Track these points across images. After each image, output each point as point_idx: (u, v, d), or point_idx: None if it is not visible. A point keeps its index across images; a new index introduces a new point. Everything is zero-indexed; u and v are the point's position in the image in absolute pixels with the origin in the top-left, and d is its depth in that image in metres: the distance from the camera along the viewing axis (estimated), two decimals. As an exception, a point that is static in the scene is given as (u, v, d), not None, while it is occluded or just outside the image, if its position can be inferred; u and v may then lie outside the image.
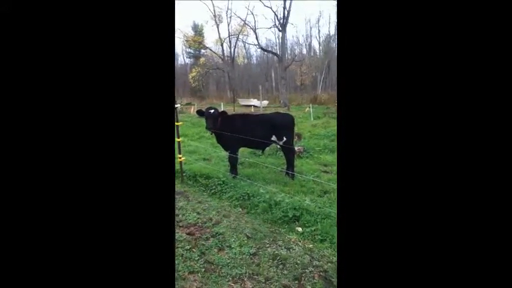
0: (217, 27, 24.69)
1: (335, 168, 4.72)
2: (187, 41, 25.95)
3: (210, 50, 26.89)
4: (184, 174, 4.33)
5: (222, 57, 26.05)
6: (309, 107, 12.50)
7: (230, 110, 13.44)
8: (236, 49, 27.13)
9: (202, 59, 27.37)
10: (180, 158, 4.26)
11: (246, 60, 33.48)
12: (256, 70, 32.92)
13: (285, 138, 4.28)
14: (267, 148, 4.74)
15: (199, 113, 4.35)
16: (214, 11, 23.68)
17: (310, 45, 31.71)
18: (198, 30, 28.06)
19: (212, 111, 4.20)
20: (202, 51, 28.39)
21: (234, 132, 4.13)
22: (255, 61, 34.54)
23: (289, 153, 4.36)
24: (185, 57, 32.49)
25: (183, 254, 2.34)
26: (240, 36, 24.44)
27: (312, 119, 10.50)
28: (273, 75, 28.06)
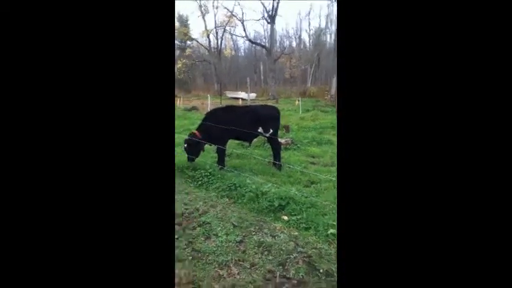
0: (203, 18, 24.31)
1: (322, 159, 4.81)
2: (172, 32, 25.25)
3: (197, 41, 26.45)
4: (171, 165, 4.30)
5: (208, 48, 25.69)
6: (298, 100, 12.57)
7: (217, 102, 13.35)
8: (223, 41, 26.82)
9: (188, 51, 26.88)
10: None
11: (233, 52, 33.11)
12: (244, 62, 32.66)
13: (271, 130, 4.32)
14: (254, 140, 4.77)
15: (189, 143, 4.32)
16: (200, 0, 23.26)
17: (300, 38, 31.69)
18: (183, 21, 27.44)
19: (187, 141, 4.23)
20: (188, 42, 27.84)
21: (220, 124, 4.14)
22: (242, 53, 34.28)
23: (275, 145, 4.41)
24: (171, 49, 31.63)
25: (170, 243, 2.36)
26: (227, 28, 24.15)
27: (300, 112, 10.58)
28: (261, 67, 27.92)
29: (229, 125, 4.13)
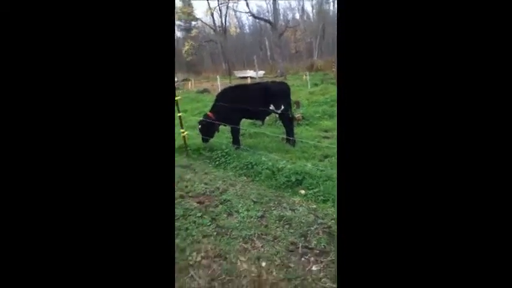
0: (206, -5, 23.52)
1: (335, 133, 4.80)
2: (176, 12, 24.80)
3: (201, 21, 25.83)
4: (188, 148, 4.42)
5: (213, 28, 25.10)
6: (306, 75, 12.31)
7: (227, 83, 13.26)
8: (227, 18, 26.07)
9: (194, 31, 26.36)
10: (183, 132, 4.32)
11: (238, 30, 32.25)
12: (249, 39, 31.86)
13: (282, 107, 4.32)
14: (266, 118, 4.79)
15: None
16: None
17: (303, 8, 30.39)
18: (186, 1, 26.75)
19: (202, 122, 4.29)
20: (193, 23, 27.24)
21: (232, 103, 4.17)
22: (247, 30, 33.34)
23: (288, 121, 4.42)
24: (175, 31, 31.26)
25: (195, 221, 2.49)
26: (230, 4, 23.37)
27: (309, 86, 10.40)
28: (267, 43, 27.19)
29: (241, 104, 4.16)
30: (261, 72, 17.77)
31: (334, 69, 14.73)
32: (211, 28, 25.26)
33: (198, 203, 2.82)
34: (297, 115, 5.56)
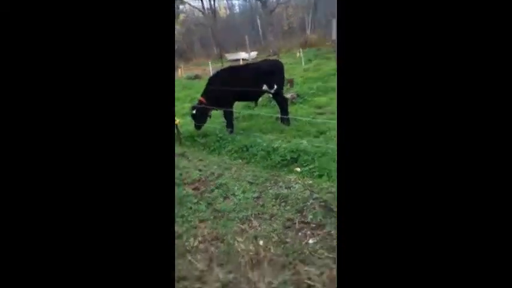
0: (193, -23, 22.70)
1: (329, 108, 4.74)
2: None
3: (189, 4, 25.01)
4: (181, 136, 4.38)
5: (202, 11, 24.35)
6: (299, 52, 12.04)
7: (219, 67, 13.01)
8: (216, 0, 25.26)
9: (181, 16, 25.61)
10: (175, 121, 4.27)
11: (228, 12, 31.33)
12: (240, 20, 30.97)
13: (275, 86, 4.23)
14: (260, 99, 4.71)
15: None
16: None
17: (293, -17, 29.33)
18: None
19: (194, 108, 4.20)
20: (181, 7, 26.41)
21: (224, 86, 4.08)
22: (237, 10, 32.35)
23: (281, 101, 4.34)
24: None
25: (191, 207, 2.49)
26: (218, -16, 22.54)
27: (303, 63, 10.19)
28: (258, 22, 26.45)
29: (232, 86, 4.07)
30: (254, 53, 17.39)
31: (328, 43, 14.42)
32: (200, 11, 24.51)
33: (193, 189, 2.82)
34: (291, 94, 5.46)
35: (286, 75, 5.26)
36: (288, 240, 1.92)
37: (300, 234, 1.95)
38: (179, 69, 15.22)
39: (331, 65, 8.49)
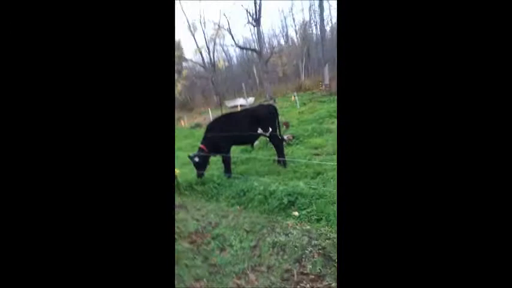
0: (194, 37, 24.71)
1: (325, 149, 4.76)
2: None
3: (191, 61, 26.82)
4: (181, 185, 4.34)
5: (203, 65, 25.99)
6: (294, 96, 12.50)
7: (218, 114, 13.44)
8: (215, 54, 27.10)
9: (184, 72, 27.28)
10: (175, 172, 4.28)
11: (226, 63, 33.35)
12: (238, 70, 32.84)
13: (270, 129, 4.30)
14: (256, 142, 4.77)
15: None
16: (188, 21, 23.68)
17: (286, 35, 31.59)
18: (176, 45, 27.89)
19: (195, 156, 4.28)
20: (184, 64, 28.29)
21: (221, 133, 4.17)
22: (235, 61, 34.47)
23: (277, 142, 4.38)
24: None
25: (187, 264, 2.35)
26: (217, 40, 24.43)
27: (298, 106, 10.52)
28: (255, 71, 27.98)
29: (229, 131, 4.15)
30: (251, 99, 18.10)
31: (322, 87, 15.02)
32: (201, 66, 26.16)
33: (190, 243, 2.70)
34: (287, 135, 5.54)
35: (282, 118, 5.39)
36: (286, 294, 1.77)
37: (298, 287, 1.80)
38: (182, 120, 15.72)
39: (325, 107, 8.74)
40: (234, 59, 34.56)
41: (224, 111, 14.00)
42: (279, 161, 4.30)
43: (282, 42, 31.20)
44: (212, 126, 4.55)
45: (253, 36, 27.54)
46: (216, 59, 27.19)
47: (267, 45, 26.73)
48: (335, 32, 25.10)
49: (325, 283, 1.77)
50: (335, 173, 3.48)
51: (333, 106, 8.57)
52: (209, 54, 25.64)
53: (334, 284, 1.74)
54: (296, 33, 30.50)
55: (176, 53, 25.63)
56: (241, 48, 23.57)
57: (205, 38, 24.99)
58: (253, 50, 21.84)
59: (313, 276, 1.85)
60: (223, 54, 31.81)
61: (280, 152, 4.34)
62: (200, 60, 26.14)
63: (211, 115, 12.81)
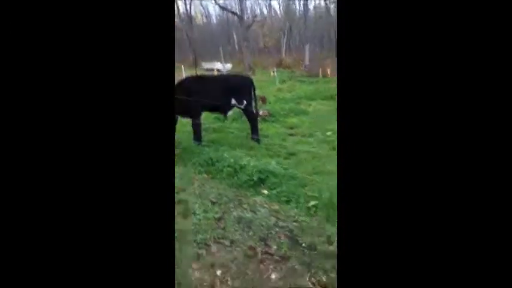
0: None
1: (300, 130, 4.76)
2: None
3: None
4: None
5: (177, 13, 24.01)
6: (274, 71, 12.27)
7: (192, 74, 12.76)
8: (193, 7, 25.09)
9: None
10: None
11: (205, 20, 31.25)
12: (217, 30, 31.06)
13: (245, 102, 4.14)
14: (230, 113, 4.58)
15: None
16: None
17: (270, 5, 30.41)
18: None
19: None
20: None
21: (191, 95, 3.88)
22: (215, 20, 32.45)
23: (251, 117, 4.26)
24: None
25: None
26: (195, -8, 22.50)
27: (277, 83, 10.36)
28: (235, 36, 26.73)
29: (200, 96, 3.89)
30: (229, 65, 17.40)
31: (302, 67, 14.94)
32: (176, 15, 24.19)
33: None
34: (263, 111, 5.43)
35: (260, 92, 5.23)
36: (248, 272, 1.76)
37: (262, 266, 1.80)
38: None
39: (304, 88, 8.73)
40: (213, 18, 32.52)
41: (199, 72, 13.30)
42: (252, 137, 4.20)
43: (265, 11, 29.96)
44: (181, 86, 4.18)
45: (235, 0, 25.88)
46: (193, 12, 25.32)
47: (248, 10, 25.35)
48: (318, 11, 24.79)
49: (289, 265, 1.78)
50: (308, 155, 3.50)
51: (311, 88, 8.58)
52: (185, 4, 23.71)
53: (298, 267, 1.76)
54: (279, 6, 29.49)
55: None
56: (221, 7, 21.98)
57: (182, -15, 22.89)
58: (234, 13, 20.57)
59: (277, 258, 1.86)
60: (201, 9, 29.66)
61: (254, 127, 4.23)
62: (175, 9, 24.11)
63: (184, 74, 12.05)
